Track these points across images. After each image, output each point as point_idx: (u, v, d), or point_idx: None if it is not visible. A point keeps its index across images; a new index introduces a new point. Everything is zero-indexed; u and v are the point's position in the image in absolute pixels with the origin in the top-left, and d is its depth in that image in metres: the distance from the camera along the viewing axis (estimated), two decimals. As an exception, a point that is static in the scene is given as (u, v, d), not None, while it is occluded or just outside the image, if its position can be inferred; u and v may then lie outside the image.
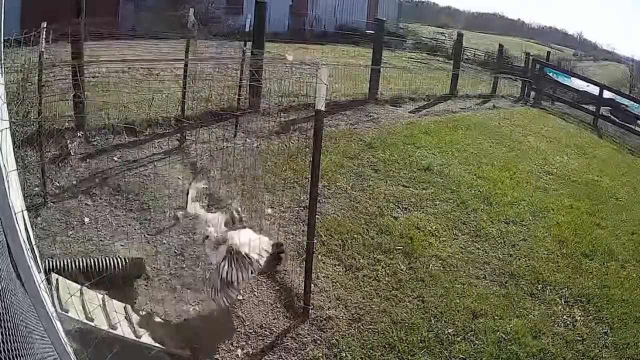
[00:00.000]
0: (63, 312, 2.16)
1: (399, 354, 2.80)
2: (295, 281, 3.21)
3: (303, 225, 3.65)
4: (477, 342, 2.96)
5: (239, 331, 2.83)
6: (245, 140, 5.41)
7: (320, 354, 2.74)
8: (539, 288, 3.63)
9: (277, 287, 3.22)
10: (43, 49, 3.69)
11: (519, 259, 3.99)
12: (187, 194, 2.97)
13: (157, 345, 2.44)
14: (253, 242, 2.78)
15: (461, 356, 2.85)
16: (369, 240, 3.88)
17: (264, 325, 2.89)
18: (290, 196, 4.28)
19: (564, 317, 3.35)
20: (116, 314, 2.45)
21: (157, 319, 2.72)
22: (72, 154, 4.44)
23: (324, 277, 3.37)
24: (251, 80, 5.42)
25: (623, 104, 12.95)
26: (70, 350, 1.52)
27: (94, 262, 2.96)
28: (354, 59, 11.77)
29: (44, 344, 1.37)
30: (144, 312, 2.72)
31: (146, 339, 2.43)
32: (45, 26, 3.82)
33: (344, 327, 2.94)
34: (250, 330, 2.85)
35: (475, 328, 3.07)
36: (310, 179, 2.87)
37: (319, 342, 2.82)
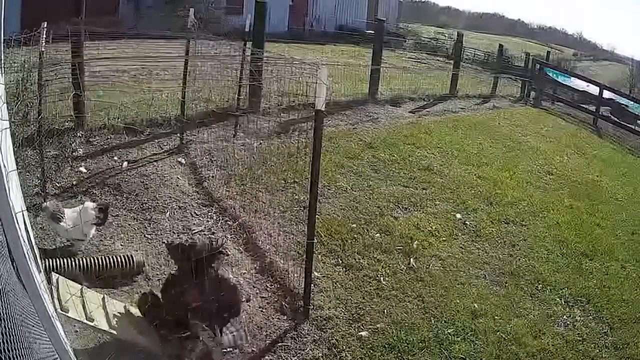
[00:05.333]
0: (63, 312, 2.15)
1: (399, 354, 2.80)
2: (295, 281, 3.20)
3: (303, 225, 3.65)
4: (477, 342, 2.96)
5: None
6: (245, 140, 5.41)
7: (320, 354, 2.74)
8: (539, 288, 3.63)
9: (277, 287, 3.22)
10: (43, 49, 3.69)
11: (519, 259, 3.99)
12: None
13: (156, 345, 2.44)
14: None
15: (461, 356, 2.85)
16: (369, 240, 3.88)
17: (264, 325, 2.89)
18: (290, 196, 4.27)
19: (564, 317, 3.35)
20: (116, 314, 2.45)
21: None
22: (72, 154, 4.44)
23: (324, 277, 3.37)
24: (251, 80, 5.42)
25: (623, 104, 12.97)
26: (70, 350, 1.52)
27: (94, 261, 2.97)
28: (354, 59, 11.77)
29: (44, 344, 1.37)
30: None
31: (145, 339, 2.43)
32: (45, 26, 3.82)
33: (344, 327, 2.94)
34: (251, 330, 2.85)
35: (475, 328, 3.07)
36: (310, 179, 2.87)
37: (319, 342, 2.82)
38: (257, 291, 3.17)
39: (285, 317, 2.97)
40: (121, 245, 3.40)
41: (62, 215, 3.07)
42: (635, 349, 3.15)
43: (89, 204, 3.26)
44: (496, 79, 11.75)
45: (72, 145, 4.56)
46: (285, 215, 4.03)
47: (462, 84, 10.43)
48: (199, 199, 4.16)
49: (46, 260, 2.75)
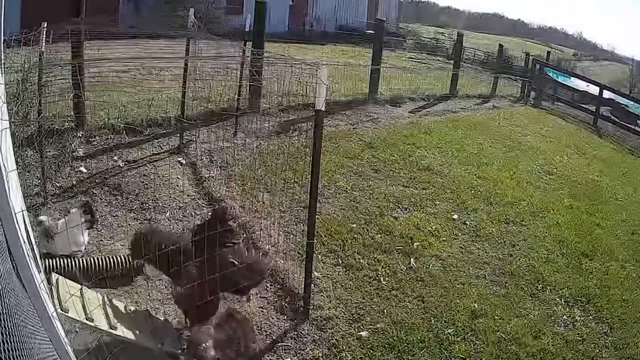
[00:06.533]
0: (63, 312, 2.15)
1: (399, 354, 2.80)
2: (295, 281, 3.21)
3: (303, 225, 3.65)
4: (477, 342, 2.96)
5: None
6: (245, 140, 5.41)
7: (320, 354, 2.74)
8: (539, 288, 3.63)
9: (277, 287, 3.22)
10: (43, 49, 3.68)
11: (519, 259, 3.99)
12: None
13: (156, 344, 2.44)
14: None
15: (461, 356, 2.85)
16: (369, 240, 3.88)
17: (264, 325, 2.89)
18: (290, 196, 4.27)
19: (564, 317, 3.35)
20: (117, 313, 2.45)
21: (157, 319, 2.72)
22: (72, 154, 4.44)
23: (324, 277, 3.37)
24: (251, 80, 5.42)
25: (623, 104, 12.98)
26: (70, 351, 1.52)
27: (94, 261, 2.97)
28: (354, 59, 11.77)
29: (44, 344, 1.37)
30: (143, 312, 2.72)
31: (146, 338, 2.42)
32: (45, 26, 3.82)
33: (344, 327, 2.94)
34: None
35: (475, 328, 3.07)
36: (310, 179, 2.87)
37: (319, 342, 2.82)
38: (257, 291, 3.17)
39: (285, 317, 2.97)
40: (121, 245, 3.40)
41: (53, 233, 3.04)
42: (635, 349, 3.14)
43: (73, 212, 3.21)
44: (496, 79, 11.75)
45: (72, 145, 4.56)
46: (285, 215, 4.03)
47: (462, 84, 10.43)
48: (198, 199, 4.17)
49: (46, 260, 2.75)
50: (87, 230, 3.20)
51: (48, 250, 3.03)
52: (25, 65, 4.11)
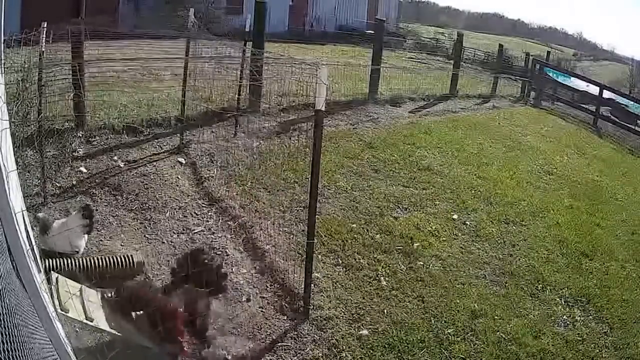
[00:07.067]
0: (63, 312, 2.15)
1: (399, 354, 2.80)
2: (295, 281, 3.21)
3: (303, 225, 3.65)
4: (477, 342, 2.96)
5: (239, 331, 2.83)
6: (245, 140, 5.41)
7: (320, 354, 2.74)
8: (539, 288, 3.63)
9: (277, 287, 3.22)
10: (43, 49, 3.68)
11: (519, 259, 3.99)
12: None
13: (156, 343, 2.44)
14: None
15: (461, 356, 2.85)
16: (369, 240, 3.88)
17: (264, 325, 2.89)
18: (290, 196, 4.27)
19: (564, 317, 3.36)
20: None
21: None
22: (72, 154, 4.44)
23: (324, 277, 3.37)
24: (251, 80, 5.42)
25: (623, 104, 12.99)
26: (70, 351, 1.52)
27: (94, 261, 2.97)
28: (354, 59, 11.77)
29: (44, 344, 1.37)
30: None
31: (145, 337, 2.42)
32: (45, 26, 3.82)
33: (344, 327, 2.94)
34: (250, 330, 2.85)
35: (475, 328, 3.07)
36: (310, 179, 2.87)
37: (319, 342, 2.82)
38: (257, 291, 3.17)
39: (285, 317, 2.97)
40: (121, 245, 3.40)
41: (49, 228, 3.02)
42: (635, 349, 3.15)
43: (72, 215, 3.20)
44: (496, 79, 11.75)
45: (72, 145, 4.56)
46: (285, 215, 4.03)
47: (462, 84, 10.43)
48: (199, 199, 4.17)
49: (46, 260, 2.75)
50: (86, 235, 3.18)
51: (45, 246, 3.01)
52: (25, 65, 4.11)
